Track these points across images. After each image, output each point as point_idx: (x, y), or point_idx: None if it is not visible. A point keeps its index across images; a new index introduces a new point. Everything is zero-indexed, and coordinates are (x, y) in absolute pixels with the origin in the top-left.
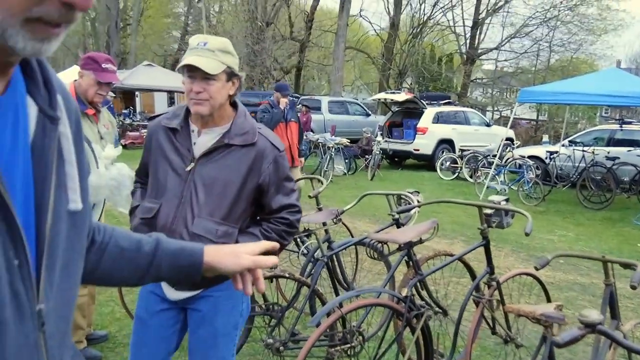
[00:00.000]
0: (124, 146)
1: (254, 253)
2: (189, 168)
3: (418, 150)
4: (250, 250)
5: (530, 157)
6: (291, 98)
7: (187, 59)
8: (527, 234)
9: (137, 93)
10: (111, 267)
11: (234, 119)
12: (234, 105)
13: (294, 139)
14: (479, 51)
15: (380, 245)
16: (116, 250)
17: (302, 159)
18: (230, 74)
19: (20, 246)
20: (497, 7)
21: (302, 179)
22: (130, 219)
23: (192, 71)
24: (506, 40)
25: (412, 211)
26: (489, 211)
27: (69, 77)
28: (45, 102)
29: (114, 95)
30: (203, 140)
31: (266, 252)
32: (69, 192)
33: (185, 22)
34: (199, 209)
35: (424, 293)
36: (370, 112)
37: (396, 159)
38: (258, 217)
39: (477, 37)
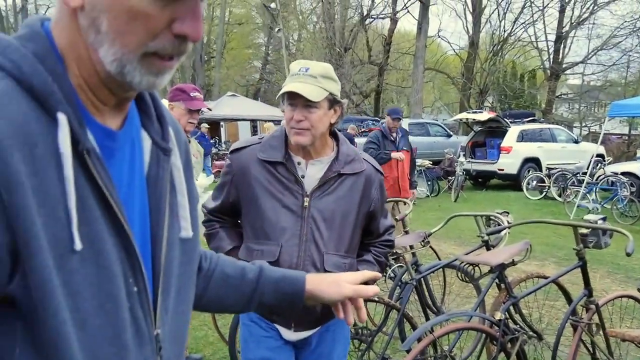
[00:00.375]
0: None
1: (356, 282)
2: (305, 204)
3: (502, 170)
4: (351, 279)
5: (623, 173)
6: (385, 122)
7: (288, 86)
8: (628, 254)
9: (221, 123)
10: (217, 293)
11: (339, 147)
12: (333, 133)
13: (405, 168)
14: (564, 66)
15: (470, 267)
16: (222, 277)
17: (415, 190)
18: (332, 101)
19: (139, 274)
20: (581, 19)
21: (388, 201)
22: None
23: (293, 98)
24: (593, 53)
25: (503, 232)
26: (585, 231)
27: None
28: (159, 135)
29: (208, 126)
30: (312, 172)
31: (366, 282)
32: (181, 220)
33: (265, 52)
34: (325, 245)
35: (517, 317)
36: (451, 133)
37: (480, 180)
38: (364, 242)
39: (561, 51)
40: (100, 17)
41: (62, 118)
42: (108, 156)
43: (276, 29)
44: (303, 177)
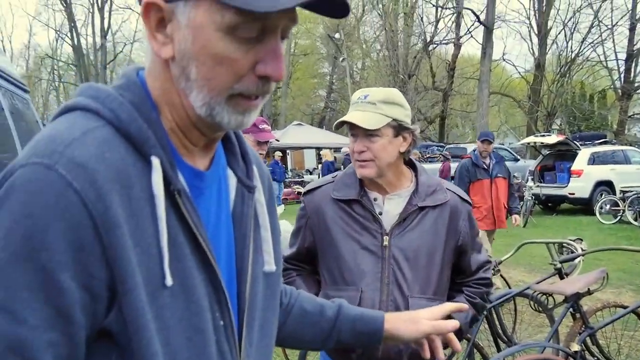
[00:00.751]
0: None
1: (435, 317)
2: (385, 243)
3: (573, 193)
4: (430, 315)
5: None
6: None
7: (346, 115)
8: None
9: (287, 151)
10: (295, 329)
11: (417, 177)
12: (409, 162)
13: (500, 197)
14: (636, 84)
15: (543, 297)
16: (300, 313)
17: (517, 216)
18: (398, 128)
19: (225, 308)
20: None
21: None
22: None
23: (353, 129)
24: None
25: (577, 260)
26: None
27: None
28: (243, 173)
29: (281, 154)
30: (390, 208)
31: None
32: (264, 254)
33: (330, 81)
34: (409, 288)
35: (594, 348)
36: (518, 157)
37: (549, 204)
38: (456, 282)
39: (632, 69)
40: (189, 65)
41: (155, 161)
42: (197, 195)
43: (340, 59)
44: (381, 213)
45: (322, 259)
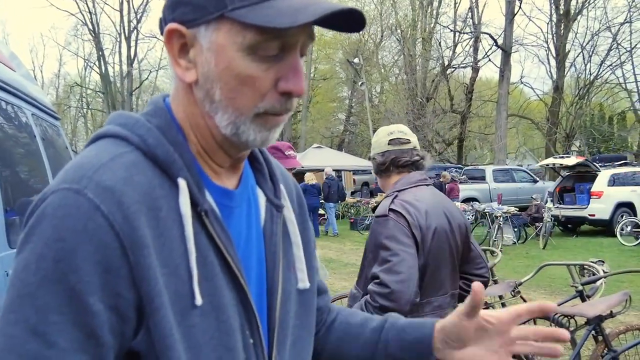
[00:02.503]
0: None
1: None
2: None
3: (594, 215)
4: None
5: None
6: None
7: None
8: None
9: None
10: (340, 344)
11: None
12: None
13: None
14: None
15: (565, 319)
16: (344, 327)
17: None
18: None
19: (255, 326)
20: None
21: None
22: None
23: None
24: None
25: (599, 282)
26: None
27: None
28: (271, 192)
29: (313, 176)
30: None
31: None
32: (297, 272)
33: (349, 104)
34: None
35: None
36: (537, 179)
37: (569, 226)
38: None
39: None
40: (213, 87)
41: (182, 183)
42: (227, 214)
43: (359, 83)
44: None
45: None
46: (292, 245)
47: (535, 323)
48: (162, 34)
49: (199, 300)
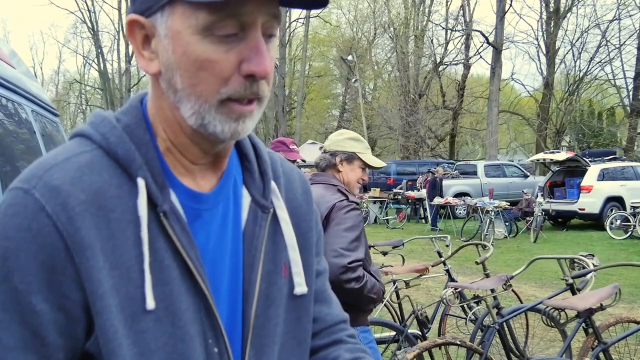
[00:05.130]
0: None
1: None
2: None
3: (583, 209)
4: None
5: None
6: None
7: (379, 162)
8: None
9: (301, 169)
10: None
11: None
12: None
13: None
14: None
15: (556, 312)
16: None
17: None
18: None
19: (220, 334)
20: None
21: (468, 244)
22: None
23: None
24: None
25: (589, 276)
26: None
27: None
28: (259, 191)
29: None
30: None
31: None
32: (294, 276)
33: (343, 101)
34: None
35: None
36: (528, 173)
37: (560, 220)
38: None
39: None
40: (174, 76)
41: (140, 183)
42: (193, 217)
43: (353, 80)
44: None
45: (365, 251)
46: (288, 248)
47: (527, 317)
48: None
49: (150, 305)
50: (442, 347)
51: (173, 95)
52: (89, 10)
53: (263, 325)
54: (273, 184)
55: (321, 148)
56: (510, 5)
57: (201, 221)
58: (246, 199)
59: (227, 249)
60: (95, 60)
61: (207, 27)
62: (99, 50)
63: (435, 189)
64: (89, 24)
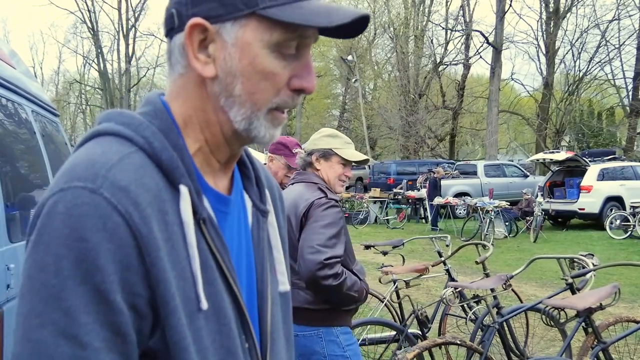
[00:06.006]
0: None
1: None
2: None
3: (583, 209)
4: None
5: None
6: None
7: (361, 155)
8: None
9: None
10: None
11: None
12: None
13: None
14: None
15: (556, 311)
16: None
17: None
18: None
19: (248, 331)
20: None
21: (468, 244)
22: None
23: (351, 162)
24: None
25: (588, 275)
26: None
27: None
28: (257, 198)
29: None
30: None
31: None
32: (279, 275)
33: (343, 101)
34: None
35: None
36: (528, 173)
37: (559, 220)
38: None
39: None
40: (234, 82)
41: (184, 190)
42: (222, 219)
43: (353, 80)
44: None
45: (346, 249)
46: (273, 249)
47: (527, 317)
48: (170, 28)
49: (204, 305)
50: (442, 346)
51: (225, 99)
52: (88, 10)
53: (274, 322)
54: (267, 191)
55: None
56: (510, 5)
57: (227, 224)
58: (249, 203)
59: (243, 251)
60: (95, 60)
61: (278, 44)
62: (99, 50)
63: (436, 189)
64: (89, 24)
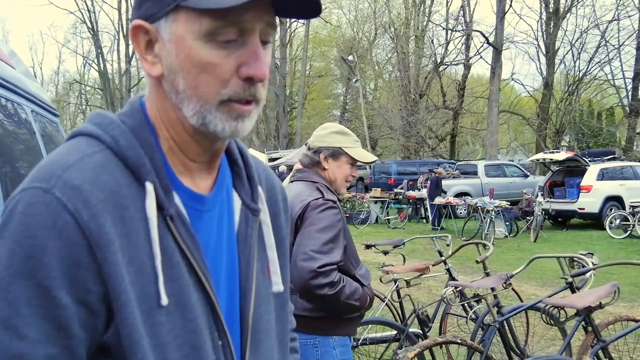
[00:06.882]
0: None
1: None
2: None
3: (583, 209)
4: None
5: None
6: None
7: (370, 156)
8: None
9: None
10: None
11: None
12: None
13: None
14: None
15: (555, 310)
16: None
17: None
18: None
19: (222, 329)
20: None
21: (468, 243)
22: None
23: (357, 161)
24: None
25: (588, 274)
26: None
27: None
28: (248, 196)
29: (286, 167)
30: None
31: None
32: (272, 275)
33: (344, 101)
34: None
35: None
36: (528, 173)
37: (559, 219)
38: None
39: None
40: (176, 78)
41: (149, 187)
42: (196, 217)
43: (354, 80)
44: None
45: (349, 252)
46: (267, 248)
47: (527, 316)
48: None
49: (164, 301)
50: (443, 345)
51: (175, 96)
52: (88, 11)
53: (258, 322)
54: (260, 189)
55: (305, 144)
56: (510, 5)
57: (202, 222)
58: (237, 202)
59: (224, 249)
60: (95, 60)
61: (209, 32)
62: (99, 51)
63: (437, 188)
64: (89, 24)
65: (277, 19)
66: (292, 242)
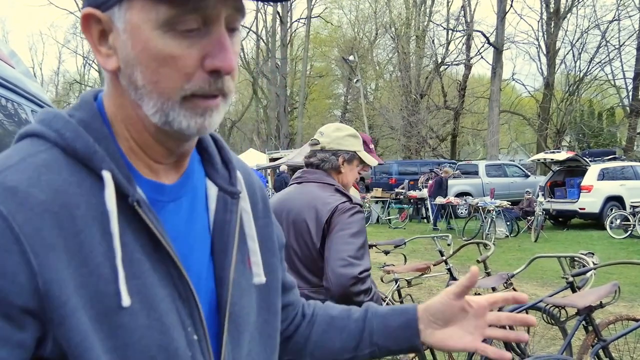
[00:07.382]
0: None
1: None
2: None
3: (584, 209)
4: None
5: None
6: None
7: (377, 160)
8: None
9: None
10: (323, 338)
11: None
12: None
13: None
14: None
15: (556, 310)
16: (326, 320)
17: None
18: None
19: (198, 322)
20: None
21: (469, 243)
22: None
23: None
24: None
25: (589, 274)
26: None
27: (245, 160)
28: (225, 180)
29: (286, 167)
30: None
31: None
32: (253, 266)
33: (345, 101)
34: None
35: None
36: (529, 173)
37: (560, 219)
38: None
39: None
40: (134, 72)
41: (107, 175)
42: (159, 209)
43: (354, 80)
44: None
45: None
46: (247, 238)
47: (527, 313)
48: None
49: (126, 301)
50: None
51: (134, 92)
52: None
53: (238, 314)
54: (238, 173)
55: (315, 144)
56: (511, 5)
57: (166, 213)
58: (212, 190)
59: (196, 242)
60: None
61: (168, 21)
62: None
63: (440, 188)
64: None
65: (248, 5)
66: (317, 248)
